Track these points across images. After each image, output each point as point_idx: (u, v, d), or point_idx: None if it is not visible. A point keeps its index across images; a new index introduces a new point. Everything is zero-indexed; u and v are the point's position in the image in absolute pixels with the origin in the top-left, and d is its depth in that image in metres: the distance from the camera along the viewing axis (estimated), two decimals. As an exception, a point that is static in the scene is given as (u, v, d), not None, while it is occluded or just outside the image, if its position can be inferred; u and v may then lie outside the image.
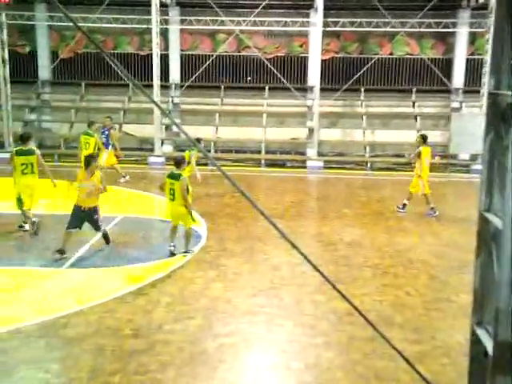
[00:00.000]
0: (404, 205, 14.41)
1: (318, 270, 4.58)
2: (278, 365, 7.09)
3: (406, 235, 12.63)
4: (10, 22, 21.05)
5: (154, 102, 5.35)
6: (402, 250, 11.59)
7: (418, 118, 22.32)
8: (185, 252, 10.86)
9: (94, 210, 10.66)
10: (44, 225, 11.97)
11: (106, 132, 17.02)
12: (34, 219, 11.73)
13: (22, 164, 11.75)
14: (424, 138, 14.51)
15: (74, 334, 7.70)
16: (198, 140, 15.13)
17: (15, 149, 12.31)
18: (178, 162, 10.89)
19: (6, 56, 20.87)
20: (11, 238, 11.82)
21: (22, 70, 23.00)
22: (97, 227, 10.88)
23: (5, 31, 20.69)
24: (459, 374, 6.27)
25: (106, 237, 11.19)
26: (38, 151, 12.08)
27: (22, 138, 12.26)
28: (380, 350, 7.12)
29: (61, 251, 10.34)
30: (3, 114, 21.15)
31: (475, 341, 3.64)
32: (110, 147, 16.89)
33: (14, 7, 20.66)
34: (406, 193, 14.37)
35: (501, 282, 3.17)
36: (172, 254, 10.72)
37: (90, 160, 10.74)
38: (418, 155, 14.24)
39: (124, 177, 17.00)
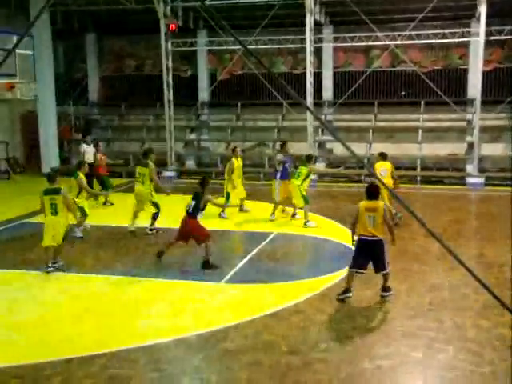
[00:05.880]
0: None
1: (487, 288, 4.33)
2: (439, 391, 6.81)
3: None
4: (175, 49, 22.44)
5: (321, 121, 5.42)
6: None
7: None
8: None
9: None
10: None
11: None
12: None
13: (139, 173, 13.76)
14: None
15: (232, 347, 7.88)
16: (310, 156, 15.24)
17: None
18: None
19: (170, 80, 22.25)
20: (174, 253, 12.49)
21: (184, 93, 24.32)
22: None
23: (170, 58, 22.11)
24: None
25: None
26: (151, 165, 13.70)
27: (143, 155, 14.30)
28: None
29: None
30: (166, 135, 22.53)
31: None
32: None
33: (178, 35, 22.04)
34: None
35: None
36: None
37: None
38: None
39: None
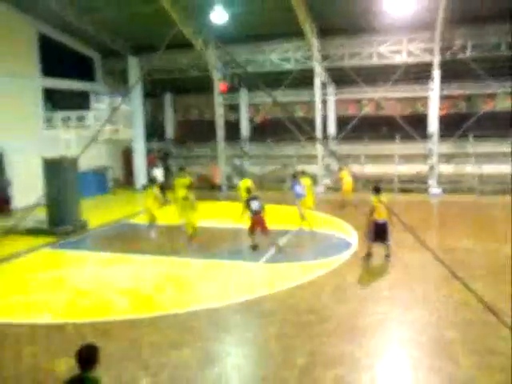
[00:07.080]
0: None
1: (445, 266, 4.43)
2: (410, 338, 6.88)
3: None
4: (225, 102, 22.89)
5: (330, 151, 5.55)
6: (509, 256, 10.48)
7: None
8: None
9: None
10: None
11: None
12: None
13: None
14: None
15: (266, 309, 7.96)
16: (304, 173, 14.90)
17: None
18: None
19: (222, 124, 22.61)
20: (223, 242, 12.62)
21: (231, 132, 24.53)
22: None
23: (222, 108, 22.50)
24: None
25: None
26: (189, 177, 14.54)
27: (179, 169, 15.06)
28: (494, 333, 6.55)
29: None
30: (220, 161, 22.86)
31: None
32: None
33: (227, 93, 22.56)
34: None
35: None
36: None
37: None
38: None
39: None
